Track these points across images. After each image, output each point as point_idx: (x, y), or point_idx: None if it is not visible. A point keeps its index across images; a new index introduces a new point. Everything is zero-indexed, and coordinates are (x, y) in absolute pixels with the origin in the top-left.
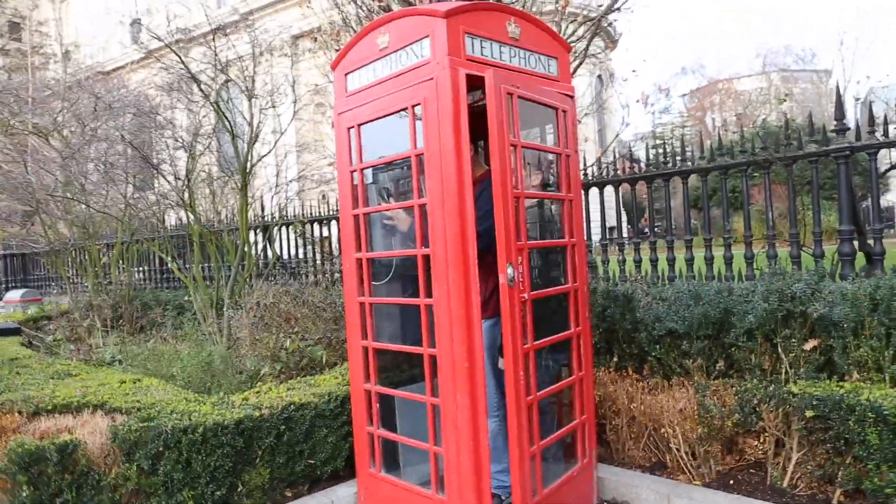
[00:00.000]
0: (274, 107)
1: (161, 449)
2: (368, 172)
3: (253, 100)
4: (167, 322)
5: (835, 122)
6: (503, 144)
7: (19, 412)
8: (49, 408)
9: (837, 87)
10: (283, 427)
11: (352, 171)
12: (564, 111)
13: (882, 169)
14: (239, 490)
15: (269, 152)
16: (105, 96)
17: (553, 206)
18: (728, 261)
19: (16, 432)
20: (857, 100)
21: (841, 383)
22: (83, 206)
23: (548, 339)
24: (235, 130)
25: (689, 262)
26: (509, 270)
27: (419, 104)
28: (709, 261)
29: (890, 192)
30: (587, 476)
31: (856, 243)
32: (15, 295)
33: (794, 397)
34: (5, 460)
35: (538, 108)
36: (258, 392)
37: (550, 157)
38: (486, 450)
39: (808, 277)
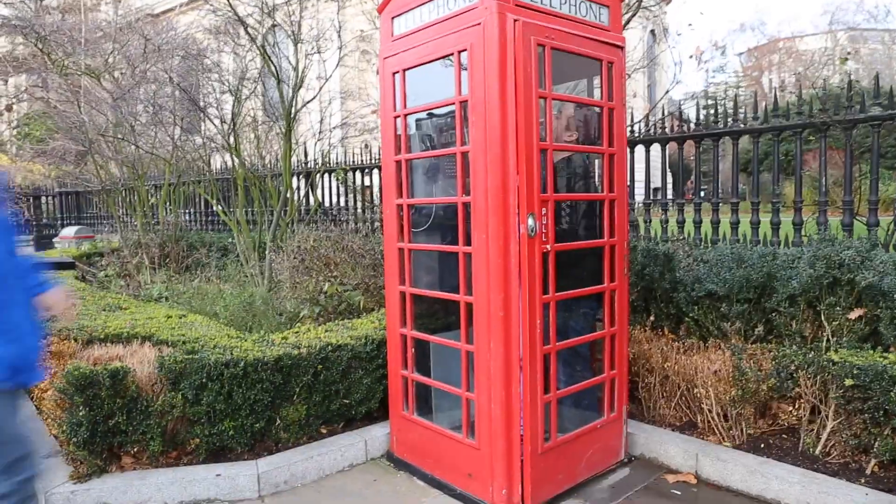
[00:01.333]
0: (319, 52)
1: (204, 380)
2: (412, 119)
3: (299, 45)
4: (211, 263)
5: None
6: (528, 95)
7: (75, 339)
8: (101, 337)
9: (877, 74)
10: (321, 366)
11: (395, 117)
12: (611, 63)
13: None
14: (277, 424)
15: (314, 98)
16: (154, 38)
17: (595, 161)
18: (775, 226)
19: (72, 357)
20: None
21: (885, 354)
22: (133, 147)
23: (573, 291)
24: (281, 75)
25: (735, 225)
26: (530, 221)
27: (465, 50)
28: (755, 225)
29: None
30: (615, 430)
31: None
32: (70, 231)
33: (835, 365)
34: (63, 382)
35: (582, 61)
36: (297, 332)
37: (596, 109)
38: (517, 397)
39: (859, 245)
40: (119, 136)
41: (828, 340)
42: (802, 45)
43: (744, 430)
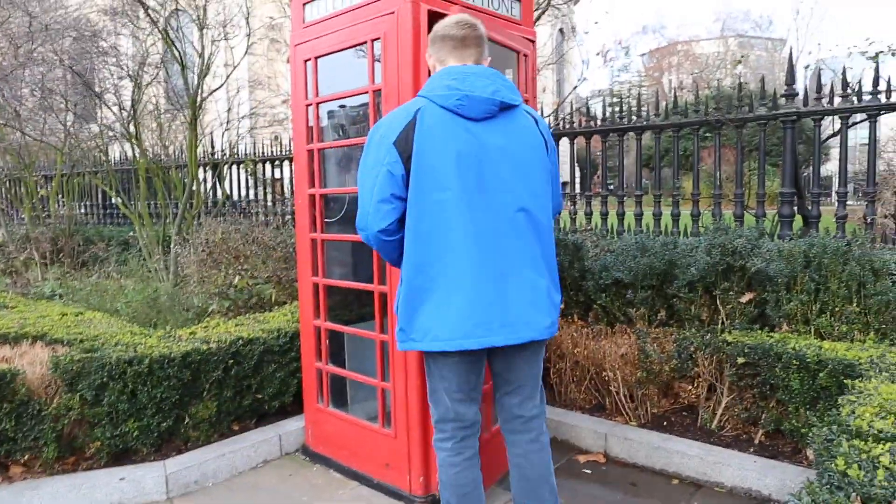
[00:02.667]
0: (227, 39)
1: (105, 380)
2: (324, 109)
3: (204, 30)
4: (111, 258)
5: (785, 87)
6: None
7: None
8: None
9: (790, 54)
10: (231, 361)
11: (307, 105)
12: (525, 55)
13: (824, 136)
14: (185, 422)
15: (221, 86)
16: (41, 16)
17: None
18: (675, 217)
19: None
20: (807, 67)
21: (771, 334)
22: (18, 134)
23: None
24: (185, 61)
25: (638, 217)
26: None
27: (378, 38)
28: (657, 216)
29: (830, 162)
30: None
31: (795, 207)
32: None
33: (728, 345)
34: None
35: (499, 51)
36: (206, 327)
37: None
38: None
39: (749, 234)
40: (1, 121)
41: (722, 323)
42: (698, 49)
43: (648, 409)
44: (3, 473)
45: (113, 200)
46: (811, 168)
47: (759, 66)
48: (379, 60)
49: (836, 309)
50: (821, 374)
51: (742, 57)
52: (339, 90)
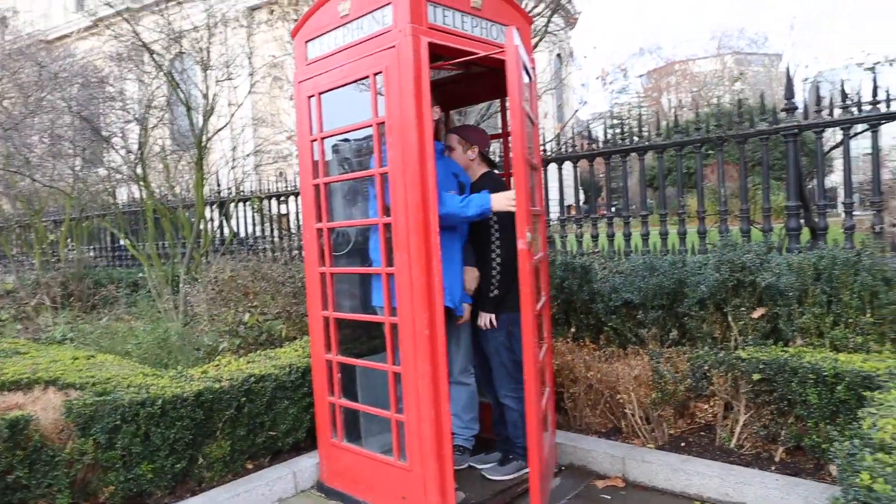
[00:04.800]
0: (230, 79)
1: (118, 422)
2: (329, 144)
3: (208, 71)
4: (121, 300)
5: (784, 102)
6: (522, 112)
7: None
8: None
9: (788, 68)
10: (244, 399)
11: (312, 141)
12: (533, 82)
13: (826, 148)
14: (199, 462)
15: (226, 125)
16: (50, 65)
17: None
18: (682, 236)
19: None
20: (806, 80)
21: (786, 349)
22: (28, 181)
23: (538, 306)
24: (190, 102)
25: (645, 237)
26: (528, 235)
27: (381, 72)
28: (663, 236)
29: (834, 174)
30: (550, 442)
31: (802, 220)
32: None
33: (743, 362)
34: None
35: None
36: (217, 365)
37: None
38: (447, 416)
39: (758, 248)
40: (11, 169)
41: (735, 339)
42: (696, 68)
43: (665, 430)
44: None
45: (121, 242)
46: (815, 180)
47: (757, 81)
48: (382, 94)
49: (850, 320)
50: (838, 388)
51: (740, 74)
52: (343, 125)
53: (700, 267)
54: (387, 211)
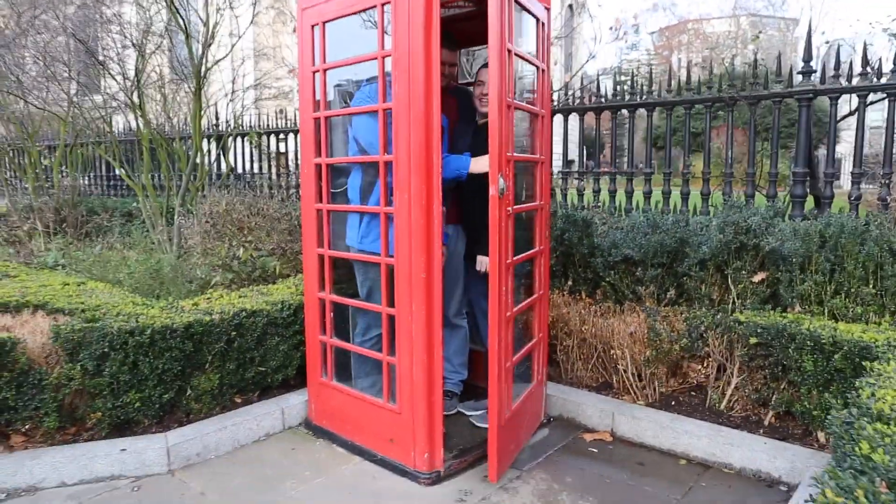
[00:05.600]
0: (232, 7)
1: (107, 350)
2: (331, 79)
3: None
4: (114, 229)
5: (802, 64)
6: (502, 48)
7: None
8: None
9: (809, 29)
10: (234, 333)
11: (314, 72)
12: (543, 24)
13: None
14: (188, 394)
15: (226, 56)
16: None
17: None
18: (685, 196)
19: None
20: (827, 44)
21: (784, 314)
22: (21, 103)
23: (522, 255)
24: (190, 30)
25: (647, 195)
26: (500, 181)
27: (389, 2)
28: (666, 195)
29: (840, 145)
30: (539, 393)
31: (808, 187)
32: None
33: (741, 325)
34: None
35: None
36: (209, 298)
37: (531, 70)
38: (439, 361)
39: (764, 212)
40: (3, 89)
41: (733, 302)
42: (709, 28)
43: (657, 388)
44: (4, 442)
45: (117, 171)
46: (822, 149)
47: (772, 45)
48: (388, 33)
49: (852, 290)
50: (836, 356)
51: (755, 36)
52: (348, 56)
53: (702, 228)
54: (388, 149)
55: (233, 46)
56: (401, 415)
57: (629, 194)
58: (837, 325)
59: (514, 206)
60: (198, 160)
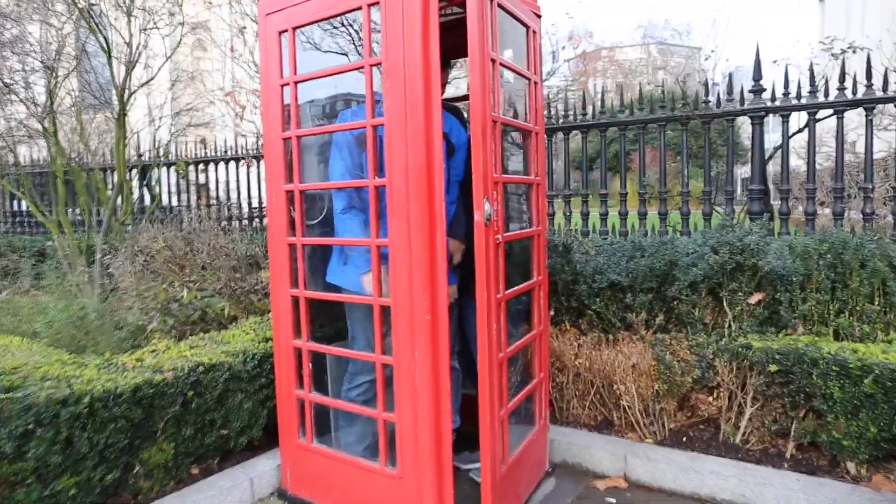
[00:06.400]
0: (157, 28)
1: (31, 426)
2: (304, 91)
3: (132, 18)
4: (24, 271)
5: (753, 83)
6: (484, 57)
7: None
8: None
9: (757, 51)
10: (191, 393)
11: (283, 85)
12: (535, 32)
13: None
14: (136, 471)
15: (153, 78)
16: None
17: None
18: (642, 216)
19: None
20: (775, 62)
21: (797, 337)
22: None
23: (516, 288)
24: (111, 50)
25: (604, 216)
26: (486, 206)
27: (376, 3)
28: (623, 216)
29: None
30: (542, 440)
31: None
32: None
33: (755, 352)
34: None
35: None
36: (154, 351)
37: (524, 82)
38: (448, 414)
39: (759, 230)
40: None
41: (729, 326)
42: (622, 55)
43: (665, 424)
44: None
45: (26, 206)
46: (747, 168)
47: (680, 71)
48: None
49: (857, 308)
50: (865, 381)
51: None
52: (322, 69)
53: (691, 248)
54: (379, 171)
55: (159, 69)
56: (402, 480)
57: (585, 216)
58: (856, 347)
59: (505, 234)
60: (123, 192)
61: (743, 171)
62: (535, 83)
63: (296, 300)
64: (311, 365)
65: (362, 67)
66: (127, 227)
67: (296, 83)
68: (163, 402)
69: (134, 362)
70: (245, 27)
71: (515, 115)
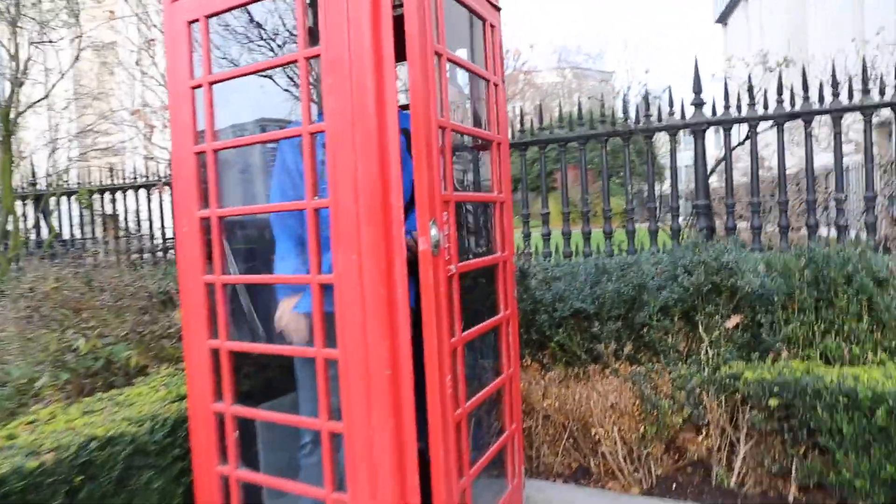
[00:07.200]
0: (51, 42)
1: None
2: (224, 110)
3: (18, 28)
4: None
5: (693, 97)
6: (426, 49)
7: None
8: None
9: (696, 65)
10: (80, 478)
11: (194, 87)
12: (493, 26)
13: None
14: None
15: (45, 97)
16: None
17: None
18: (586, 236)
19: None
20: (715, 76)
21: (791, 364)
22: None
23: (478, 327)
24: None
25: (546, 237)
26: (433, 231)
27: None
28: (566, 235)
29: (665, 182)
30: (518, 497)
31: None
32: None
33: (748, 383)
34: None
35: (457, 21)
36: (33, 422)
37: (483, 84)
38: (414, 491)
39: (734, 248)
40: None
41: (706, 353)
42: (539, 79)
43: (652, 470)
44: None
45: None
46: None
47: (594, 94)
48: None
49: (844, 328)
50: (878, 412)
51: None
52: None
53: (655, 267)
54: (318, 190)
55: (53, 86)
56: None
57: (527, 236)
58: (855, 372)
59: (460, 264)
60: (9, 226)
61: (663, 187)
62: (496, 84)
63: (216, 353)
64: (236, 432)
65: (296, 61)
66: (18, 265)
67: (210, 84)
68: (39, 496)
69: (3, 441)
70: (154, 39)
71: (477, 124)
